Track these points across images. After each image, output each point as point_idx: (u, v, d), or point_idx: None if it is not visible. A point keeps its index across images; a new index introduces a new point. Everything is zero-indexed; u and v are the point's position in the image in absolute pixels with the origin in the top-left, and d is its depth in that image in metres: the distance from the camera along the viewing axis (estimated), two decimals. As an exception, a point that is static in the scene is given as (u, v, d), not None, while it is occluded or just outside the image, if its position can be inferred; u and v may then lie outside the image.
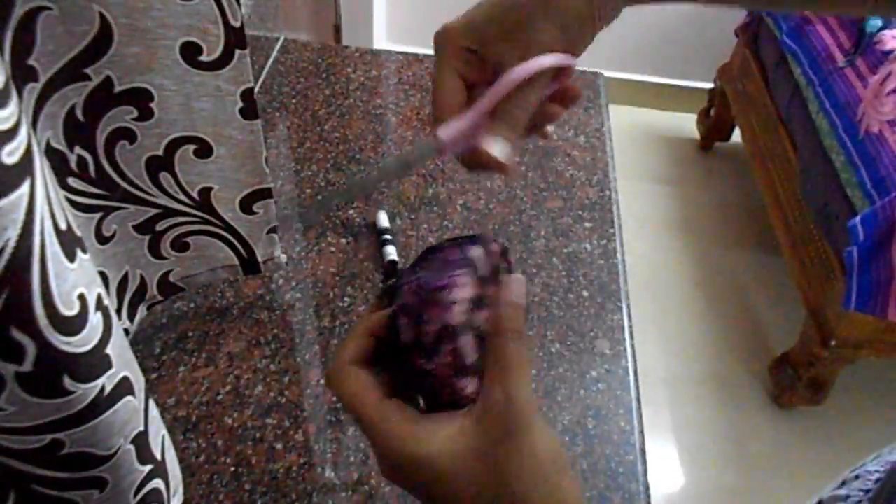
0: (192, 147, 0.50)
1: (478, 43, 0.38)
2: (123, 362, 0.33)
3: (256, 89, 0.86)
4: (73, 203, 0.45)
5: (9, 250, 0.23)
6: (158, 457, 0.39)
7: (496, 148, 0.37)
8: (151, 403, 0.38)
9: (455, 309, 0.32)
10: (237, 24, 0.46)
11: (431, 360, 0.32)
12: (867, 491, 0.49)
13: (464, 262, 0.34)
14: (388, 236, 0.70)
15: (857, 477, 0.50)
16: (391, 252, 0.69)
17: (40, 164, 0.25)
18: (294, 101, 0.87)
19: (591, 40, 0.39)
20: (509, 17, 0.37)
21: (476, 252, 0.35)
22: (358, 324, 0.35)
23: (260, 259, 0.60)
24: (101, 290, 0.30)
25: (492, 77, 0.38)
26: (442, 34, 0.39)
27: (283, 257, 0.62)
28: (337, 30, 2.16)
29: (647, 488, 0.54)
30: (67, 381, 0.28)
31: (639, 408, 0.59)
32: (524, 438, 0.30)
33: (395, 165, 0.41)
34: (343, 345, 0.35)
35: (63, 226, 0.27)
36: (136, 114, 0.46)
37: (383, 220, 0.72)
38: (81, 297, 0.28)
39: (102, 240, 0.49)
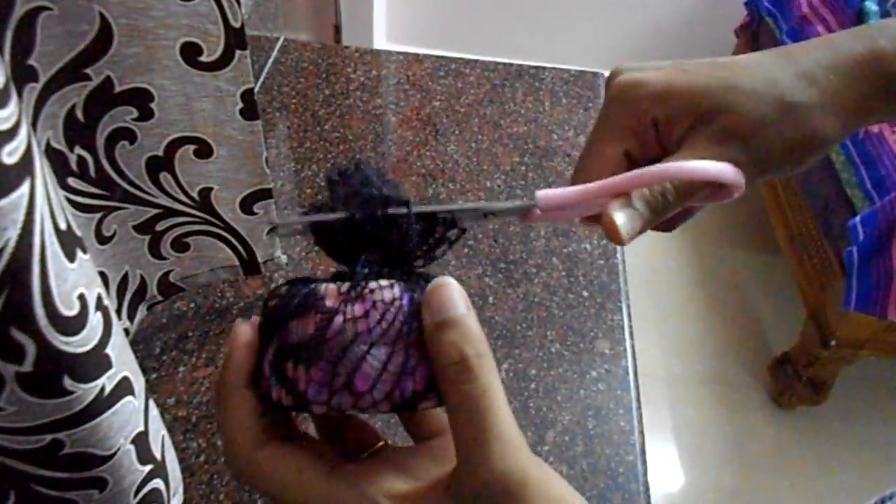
0: (192, 147, 0.50)
1: (668, 115, 0.32)
2: (123, 362, 0.33)
3: (256, 89, 0.86)
4: (73, 203, 0.45)
5: (9, 250, 0.23)
6: (158, 457, 0.39)
7: (622, 217, 0.31)
8: (151, 403, 0.38)
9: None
10: (237, 25, 0.45)
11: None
12: None
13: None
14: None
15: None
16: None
17: (40, 164, 0.25)
18: (294, 101, 0.87)
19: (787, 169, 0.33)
20: (725, 101, 0.31)
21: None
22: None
23: (260, 259, 0.60)
24: (101, 290, 0.30)
25: (656, 153, 0.33)
26: (628, 91, 0.33)
27: (284, 257, 0.62)
28: (337, 30, 2.16)
29: (647, 488, 0.54)
30: (67, 382, 0.28)
31: (639, 408, 0.59)
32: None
33: (472, 210, 0.32)
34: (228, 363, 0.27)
35: (63, 226, 0.27)
36: (136, 114, 0.46)
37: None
38: (81, 297, 0.28)
39: (102, 240, 0.49)
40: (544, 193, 0.32)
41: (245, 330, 0.27)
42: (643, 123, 0.33)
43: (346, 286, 0.25)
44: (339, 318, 0.24)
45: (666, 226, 0.36)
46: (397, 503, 0.24)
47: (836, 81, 0.32)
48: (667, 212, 0.32)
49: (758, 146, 0.31)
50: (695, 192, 0.31)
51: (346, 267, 0.28)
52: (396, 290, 0.25)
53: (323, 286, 0.25)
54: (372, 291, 0.25)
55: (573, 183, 0.33)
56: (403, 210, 0.27)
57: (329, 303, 0.25)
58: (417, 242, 0.28)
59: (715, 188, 0.31)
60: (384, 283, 0.25)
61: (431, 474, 0.25)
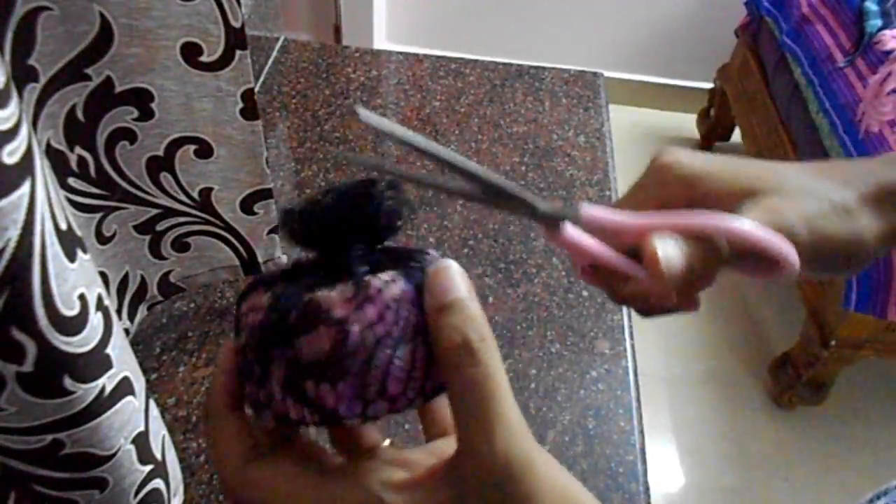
0: (192, 147, 0.50)
1: (712, 191, 0.31)
2: (124, 362, 0.33)
3: (256, 89, 0.86)
4: (73, 203, 0.45)
5: (9, 250, 0.23)
6: (159, 457, 0.39)
7: (665, 247, 0.28)
8: (151, 403, 0.38)
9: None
10: (237, 25, 0.46)
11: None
12: None
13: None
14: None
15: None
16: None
17: (41, 164, 0.25)
18: (294, 101, 0.87)
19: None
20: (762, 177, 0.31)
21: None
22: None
23: (260, 259, 0.60)
24: (101, 290, 0.30)
25: (692, 202, 0.31)
26: (669, 178, 0.32)
27: (284, 258, 0.62)
28: (337, 30, 2.16)
29: (647, 488, 0.54)
30: (68, 382, 0.28)
31: (639, 408, 0.59)
32: (519, 489, 0.22)
33: (500, 183, 0.27)
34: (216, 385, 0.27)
35: (63, 226, 0.27)
36: (136, 114, 0.46)
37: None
38: (82, 298, 0.28)
39: (103, 240, 0.49)
40: (590, 208, 0.29)
41: (230, 353, 0.27)
42: (676, 200, 0.32)
43: (349, 290, 0.24)
44: (355, 328, 0.23)
45: (648, 310, 0.34)
46: (395, 492, 0.24)
47: (878, 200, 0.31)
48: (713, 267, 0.29)
49: (806, 236, 0.30)
50: (744, 257, 0.29)
51: (313, 253, 0.26)
52: (402, 284, 0.24)
53: (322, 294, 0.23)
54: (380, 291, 0.24)
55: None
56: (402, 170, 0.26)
57: (339, 313, 0.23)
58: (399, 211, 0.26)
59: (764, 261, 0.29)
60: (385, 277, 0.24)
61: (431, 467, 0.25)
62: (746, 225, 0.28)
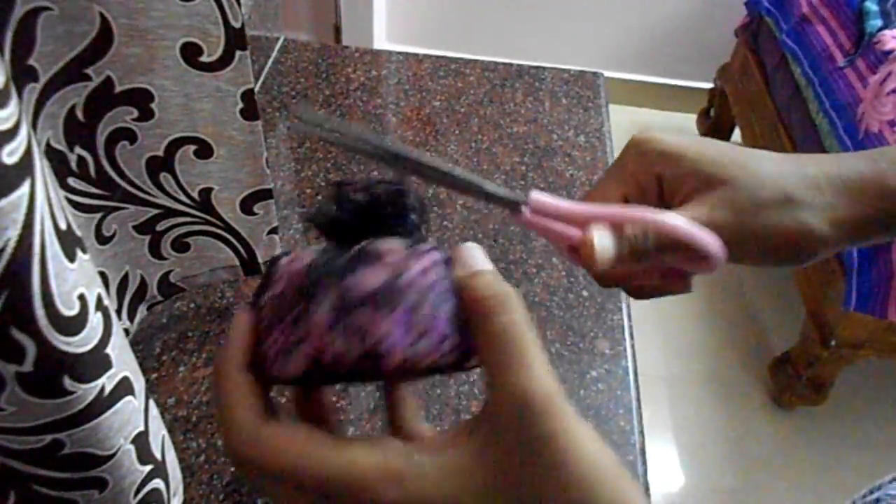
0: (192, 147, 0.50)
1: (674, 174, 0.34)
2: (123, 362, 0.33)
3: (256, 89, 0.86)
4: (73, 203, 0.45)
5: (9, 250, 0.23)
6: (158, 457, 0.39)
7: (599, 238, 0.32)
8: (151, 403, 0.38)
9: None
10: (237, 25, 0.46)
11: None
12: None
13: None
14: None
15: (877, 500, 0.47)
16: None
17: (40, 165, 0.25)
18: (294, 101, 0.87)
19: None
20: (736, 176, 0.32)
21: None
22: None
23: (260, 259, 0.60)
24: (101, 290, 0.30)
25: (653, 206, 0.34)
26: (641, 143, 0.35)
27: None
28: (337, 30, 2.16)
29: (647, 488, 0.54)
30: (67, 382, 0.28)
31: (639, 408, 0.59)
32: (558, 444, 0.22)
33: (465, 180, 0.33)
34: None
35: (63, 226, 0.27)
36: (136, 114, 0.46)
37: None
38: (81, 298, 0.28)
39: (102, 240, 0.49)
40: (538, 195, 0.33)
41: (245, 315, 0.27)
42: (648, 175, 0.35)
43: (405, 244, 0.26)
44: (412, 269, 0.25)
45: (637, 292, 0.37)
46: (421, 450, 0.23)
47: (838, 193, 0.33)
48: (642, 257, 0.32)
49: (753, 227, 0.32)
50: (674, 250, 0.32)
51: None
52: (438, 253, 0.26)
53: (382, 243, 0.26)
54: (427, 251, 0.26)
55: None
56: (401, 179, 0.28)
57: (395, 258, 0.25)
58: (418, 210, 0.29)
59: (694, 255, 0.32)
60: (425, 246, 0.26)
61: (453, 427, 0.25)
62: (674, 220, 0.31)
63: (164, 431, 0.41)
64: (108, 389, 0.31)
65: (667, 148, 0.34)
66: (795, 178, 0.33)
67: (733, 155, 0.34)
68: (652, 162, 0.35)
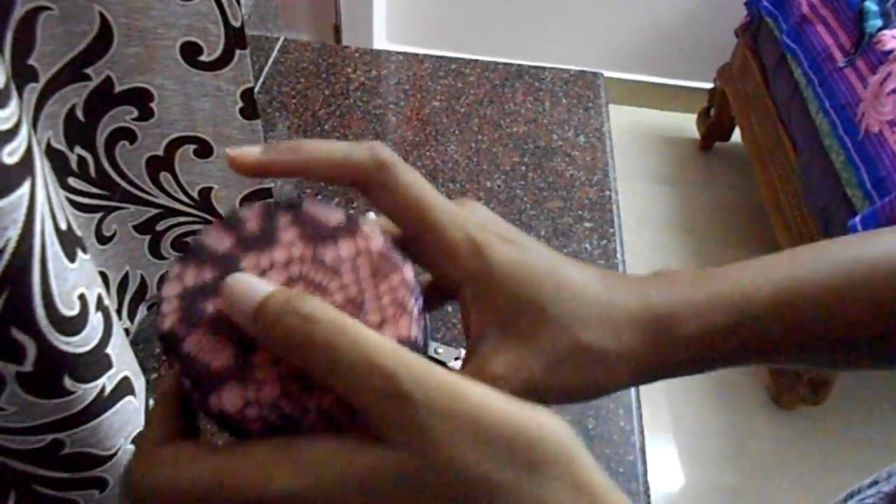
0: (192, 147, 0.50)
1: (473, 294, 0.27)
2: (124, 362, 0.33)
3: (256, 89, 0.86)
4: (73, 203, 0.45)
5: (9, 250, 0.23)
6: (159, 457, 0.39)
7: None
8: (151, 403, 0.38)
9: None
10: (237, 25, 0.46)
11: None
12: None
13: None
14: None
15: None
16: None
17: (41, 164, 0.25)
18: (294, 101, 0.87)
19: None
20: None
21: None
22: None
23: (260, 259, 0.60)
24: (101, 290, 0.30)
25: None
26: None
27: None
28: (337, 30, 2.16)
29: (647, 488, 0.54)
30: (68, 382, 0.28)
31: (639, 408, 0.59)
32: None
33: None
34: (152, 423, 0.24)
35: (63, 226, 0.27)
36: (136, 114, 0.46)
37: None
38: (82, 297, 0.28)
39: (103, 240, 0.49)
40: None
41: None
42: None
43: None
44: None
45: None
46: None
47: (631, 333, 0.28)
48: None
49: (540, 382, 0.26)
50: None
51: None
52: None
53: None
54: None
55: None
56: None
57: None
58: None
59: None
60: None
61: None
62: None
63: (165, 431, 0.41)
64: (108, 389, 0.31)
65: (511, 260, 0.27)
66: (595, 321, 0.27)
67: (549, 291, 0.27)
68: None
